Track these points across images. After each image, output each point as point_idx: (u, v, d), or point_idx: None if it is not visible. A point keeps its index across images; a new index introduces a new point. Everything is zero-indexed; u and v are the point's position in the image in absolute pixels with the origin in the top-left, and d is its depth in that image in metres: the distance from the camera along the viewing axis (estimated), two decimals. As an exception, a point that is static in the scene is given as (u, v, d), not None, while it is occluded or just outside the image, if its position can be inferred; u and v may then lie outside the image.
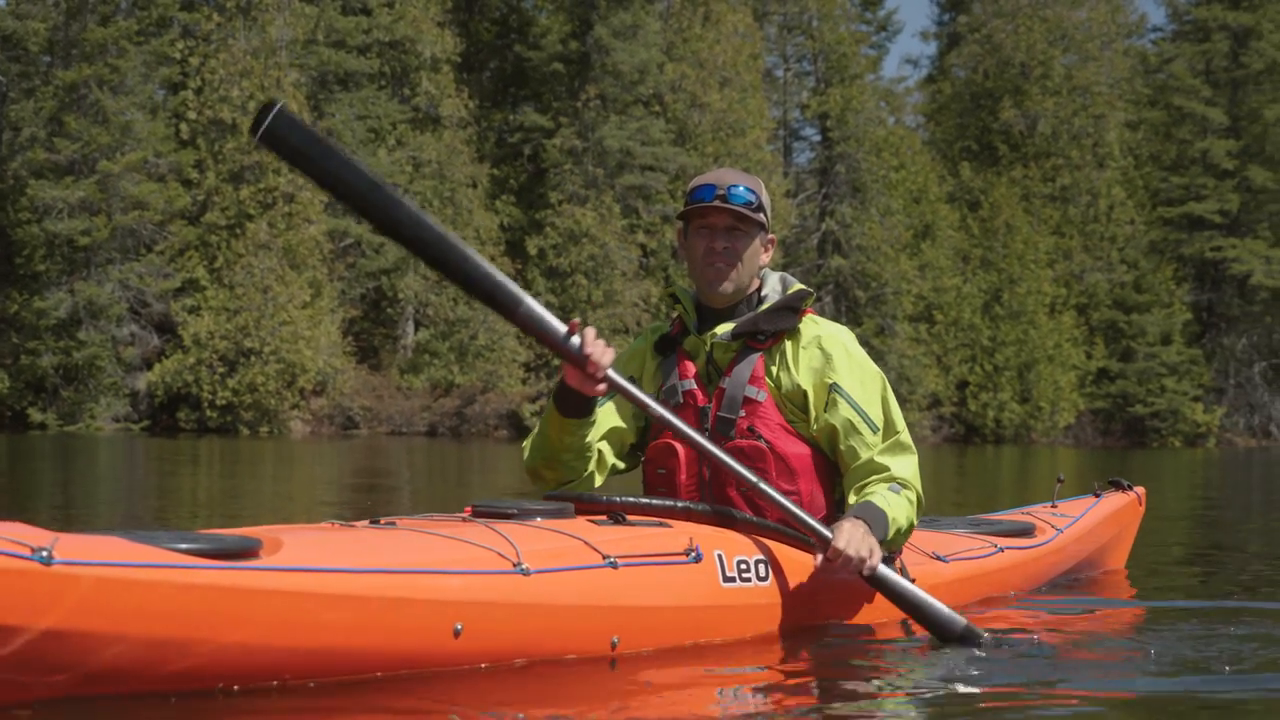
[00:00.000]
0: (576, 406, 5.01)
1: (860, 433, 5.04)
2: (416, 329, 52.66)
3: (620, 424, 5.32)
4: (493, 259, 52.09)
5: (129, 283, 46.98)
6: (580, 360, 4.78)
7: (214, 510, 11.43)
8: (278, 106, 4.59)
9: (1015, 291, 61.06)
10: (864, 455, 5.05)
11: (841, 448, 5.08)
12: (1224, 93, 66.14)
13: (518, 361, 51.27)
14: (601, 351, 4.78)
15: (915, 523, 5.08)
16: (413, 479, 18.42)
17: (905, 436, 5.13)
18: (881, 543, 4.84)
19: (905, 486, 5.03)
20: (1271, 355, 65.87)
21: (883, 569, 4.79)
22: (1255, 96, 65.24)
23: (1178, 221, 65.56)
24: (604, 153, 53.04)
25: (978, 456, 35.27)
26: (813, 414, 5.08)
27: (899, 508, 4.97)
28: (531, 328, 4.78)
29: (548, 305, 51.53)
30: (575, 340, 4.77)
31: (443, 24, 54.09)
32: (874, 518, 4.87)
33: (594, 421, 5.15)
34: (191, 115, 48.03)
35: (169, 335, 47.80)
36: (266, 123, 4.57)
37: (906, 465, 5.08)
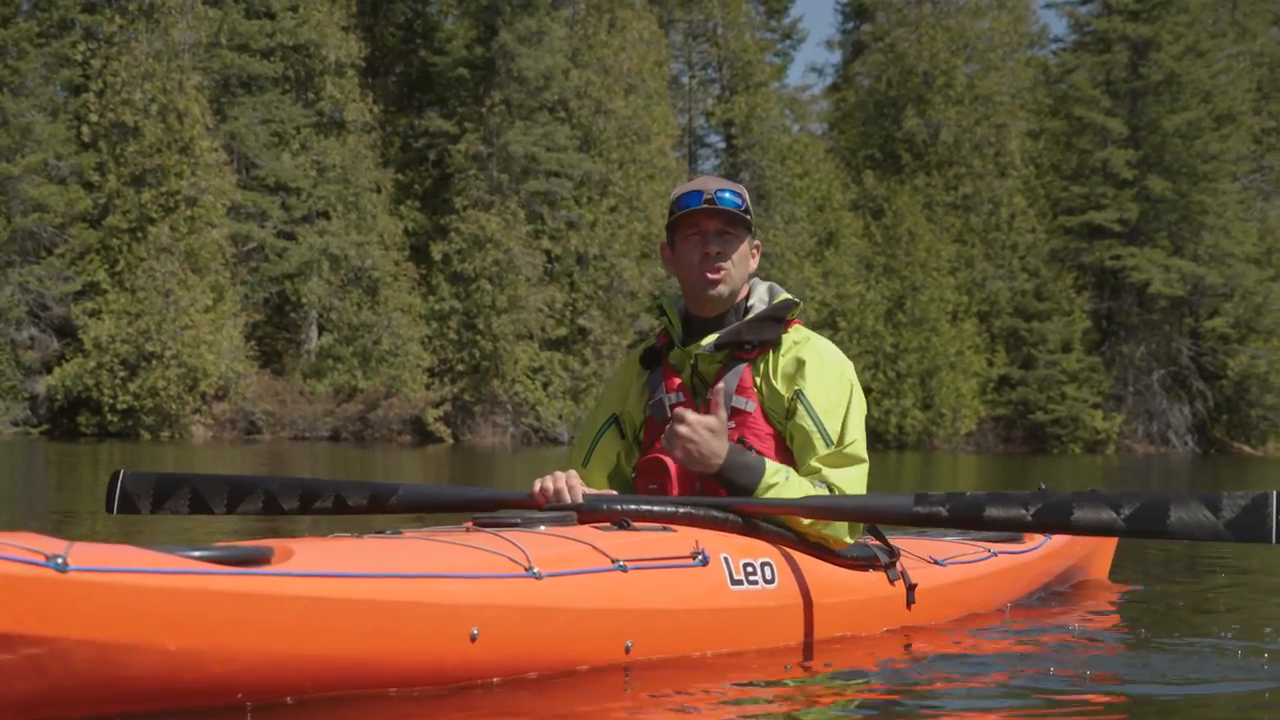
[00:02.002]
0: None
1: (813, 445, 4.99)
2: (320, 333, 52.38)
3: (620, 462, 5.37)
4: (397, 264, 52.01)
5: (29, 285, 46.45)
6: (544, 502, 4.89)
7: (117, 520, 11.31)
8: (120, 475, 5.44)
9: (918, 299, 61.48)
10: (807, 462, 5.00)
11: (795, 455, 5.05)
12: (1124, 103, 66.84)
13: (421, 367, 51.10)
14: (565, 487, 4.86)
15: (835, 523, 4.99)
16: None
17: (855, 449, 5.04)
18: (748, 491, 4.86)
19: (830, 489, 4.96)
20: (1170, 363, 66.62)
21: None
22: (1154, 107, 65.94)
23: (1078, 230, 66.17)
24: (509, 158, 53.01)
25: (880, 463, 35.34)
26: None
27: (799, 489, 4.90)
28: (503, 505, 5.01)
29: (451, 310, 51.45)
30: (538, 491, 4.90)
31: (347, 28, 53.83)
32: (743, 462, 4.89)
33: None
34: (93, 118, 47.56)
35: (69, 339, 47.30)
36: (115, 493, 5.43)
37: (845, 475, 5.00)
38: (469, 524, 4.61)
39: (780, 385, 5.07)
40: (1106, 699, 4.26)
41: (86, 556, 3.33)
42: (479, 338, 51.78)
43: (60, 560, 3.27)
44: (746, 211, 5.16)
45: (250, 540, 4.13)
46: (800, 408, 5.01)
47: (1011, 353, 64.85)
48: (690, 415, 4.83)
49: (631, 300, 54.07)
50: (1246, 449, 65.28)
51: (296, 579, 3.65)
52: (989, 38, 67.15)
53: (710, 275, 5.12)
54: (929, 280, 61.76)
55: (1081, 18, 70.44)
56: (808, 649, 4.73)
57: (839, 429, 5.03)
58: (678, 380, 5.20)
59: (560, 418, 52.30)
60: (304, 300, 51.17)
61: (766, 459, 4.93)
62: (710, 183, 5.16)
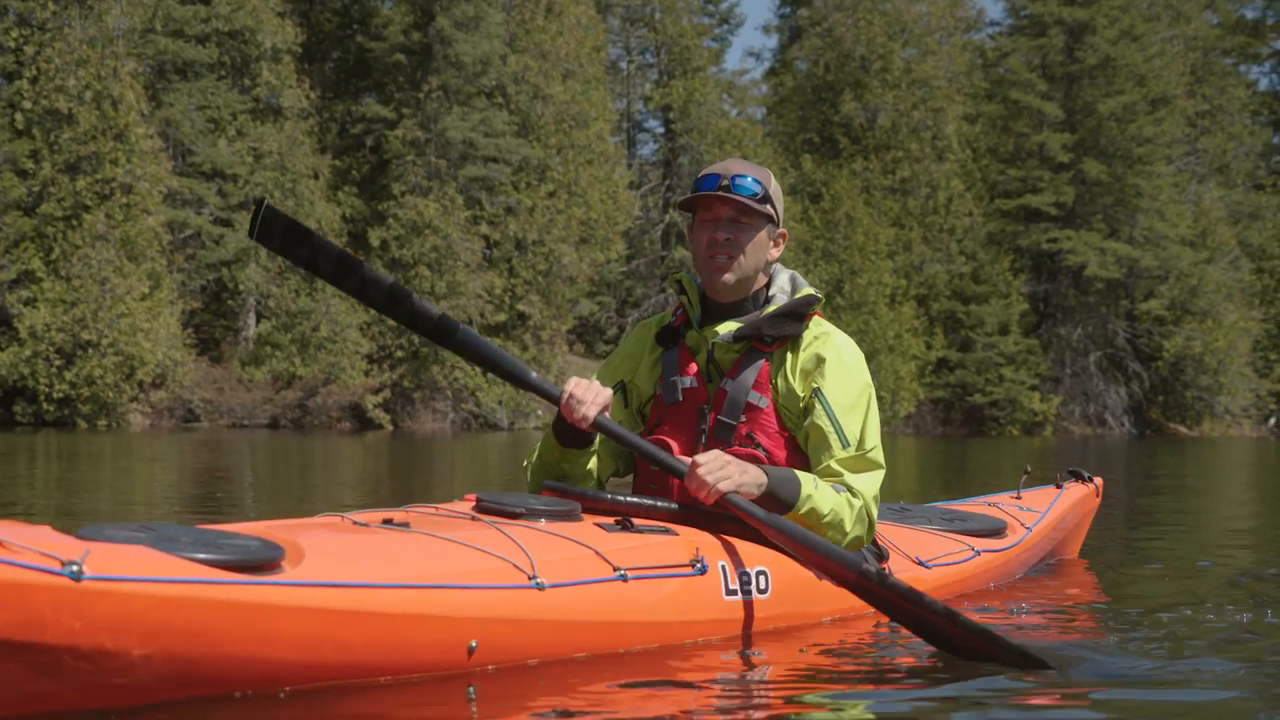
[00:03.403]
0: (575, 438, 5.05)
1: (830, 445, 4.95)
2: (258, 321, 52.20)
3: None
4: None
5: (-38, 275, 46.17)
6: (563, 406, 4.90)
7: (53, 509, 11.29)
8: (265, 204, 5.06)
9: (856, 283, 61.59)
10: (825, 463, 4.97)
11: (809, 454, 5.02)
12: (1059, 87, 67.22)
13: (360, 353, 50.95)
14: (590, 399, 4.87)
15: (854, 532, 4.98)
16: (255, 475, 18.23)
17: (875, 454, 5.02)
18: (790, 511, 4.79)
19: (852, 494, 4.93)
20: (1106, 345, 67.07)
21: (738, 499, 4.69)
22: (1090, 90, 66.34)
23: (1015, 213, 66.52)
24: (446, 144, 52.87)
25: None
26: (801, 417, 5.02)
27: (830, 499, 4.86)
28: (534, 390, 4.99)
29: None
30: (565, 397, 4.90)
31: (283, 14, 53.58)
32: (782, 477, 4.81)
33: (595, 450, 5.16)
34: (27, 105, 47.18)
35: (4, 328, 46.95)
36: (258, 221, 5.11)
37: (863, 480, 4.98)
38: (472, 500, 4.65)
39: (798, 383, 5.04)
40: (1085, 685, 4.30)
41: (101, 564, 3.40)
42: (418, 324, 51.59)
43: (76, 568, 3.33)
44: (764, 200, 5.08)
45: (270, 520, 4.30)
46: (818, 406, 4.99)
47: (949, 335, 65.15)
48: (701, 457, 4.75)
49: (571, 285, 54.09)
50: (1182, 429, 65.81)
51: (302, 589, 3.73)
52: (925, 22, 67.34)
53: (715, 263, 5.08)
54: (867, 264, 61.89)
55: (1017, 2, 70.74)
56: (795, 657, 4.70)
57: (858, 431, 5.01)
58: (694, 366, 5.16)
59: (500, 404, 52.24)
60: (241, 287, 50.96)
61: (797, 471, 4.89)
62: (732, 167, 5.09)
